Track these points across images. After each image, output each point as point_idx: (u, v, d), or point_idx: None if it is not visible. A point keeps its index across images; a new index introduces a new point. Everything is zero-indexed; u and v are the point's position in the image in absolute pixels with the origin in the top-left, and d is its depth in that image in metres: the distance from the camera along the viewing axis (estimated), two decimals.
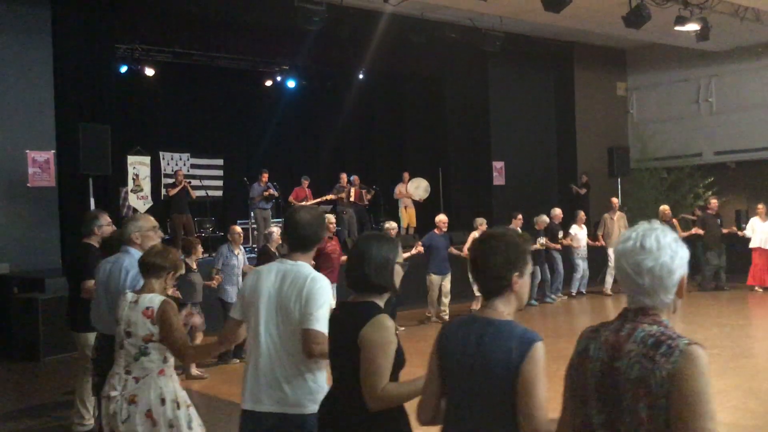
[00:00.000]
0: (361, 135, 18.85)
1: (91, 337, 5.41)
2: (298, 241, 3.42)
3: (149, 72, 15.14)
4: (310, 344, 3.20)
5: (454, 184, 16.67)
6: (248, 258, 10.24)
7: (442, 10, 13.65)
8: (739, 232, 14.31)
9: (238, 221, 15.08)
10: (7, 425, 6.93)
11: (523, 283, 2.50)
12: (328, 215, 10.89)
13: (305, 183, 14.86)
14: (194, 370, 8.30)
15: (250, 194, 14.39)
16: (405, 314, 11.38)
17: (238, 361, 8.70)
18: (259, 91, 17.45)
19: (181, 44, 14.26)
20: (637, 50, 18.65)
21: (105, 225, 6.03)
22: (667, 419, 1.90)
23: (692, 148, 17.69)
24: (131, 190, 13.18)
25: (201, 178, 15.69)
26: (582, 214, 14.32)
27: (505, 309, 2.47)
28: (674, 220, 14.18)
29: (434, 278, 11.44)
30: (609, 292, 14.06)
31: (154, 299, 3.89)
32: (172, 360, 3.97)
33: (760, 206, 14.01)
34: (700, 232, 14.07)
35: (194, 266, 8.70)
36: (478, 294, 12.18)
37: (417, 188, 15.95)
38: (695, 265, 13.72)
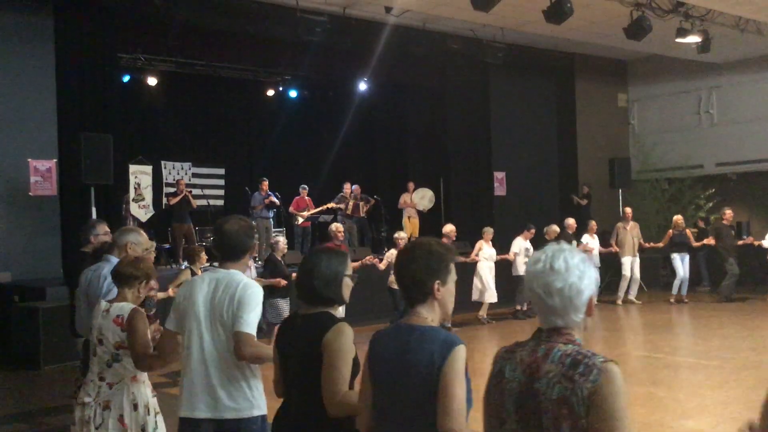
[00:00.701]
0: (362, 145, 18.88)
1: None
2: (228, 250, 3.53)
3: (151, 81, 15.20)
4: (241, 346, 3.30)
5: (456, 195, 16.68)
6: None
7: (444, 22, 13.71)
8: (756, 242, 14.33)
9: None
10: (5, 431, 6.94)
11: (445, 291, 2.54)
12: (336, 224, 10.95)
13: (304, 192, 14.89)
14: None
15: (251, 203, 14.41)
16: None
17: None
18: (261, 101, 17.51)
19: (183, 54, 14.31)
20: (639, 62, 18.70)
21: (101, 234, 6.03)
22: None
23: (693, 159, 17.71)
24: (133, 199, 13.18)
25: (202, 187, 15.72)
26: (593, 223, 14.41)
27: (428, 315, 2.52)
28: (687, 230, 14.18)
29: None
30: (634, 300, 14.25)
31: (124, 308, 3.96)
32: None
33: None
34: (712, 242, 14.12)
35: (199, 273, 8.72)
36: (482, 301, 12.22)
37: (422, 198, 15.97)
38: (714, 275, 13.89)
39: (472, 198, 16.69)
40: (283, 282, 8.98)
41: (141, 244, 4.80)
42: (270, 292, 8.78)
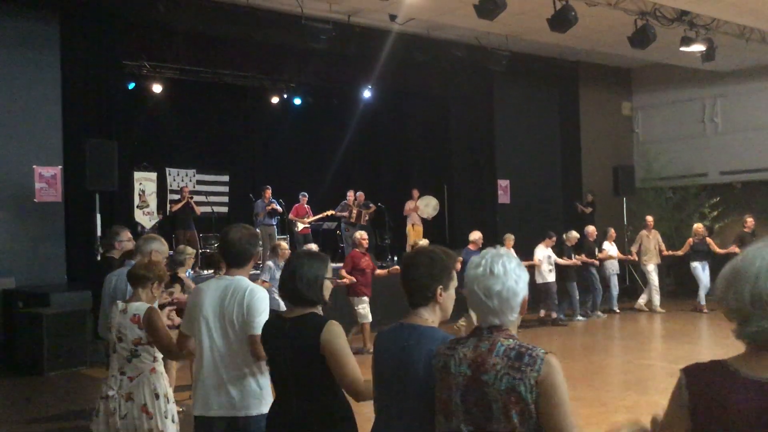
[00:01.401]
0: (366, 152, 18.91)
1: None
2: (232, 257, 3.75)
3: (156, 89, 15.26)
4: (257, 348, 3.49)
5: (459, 202, 16.69)
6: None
7: (448, 29, 13.75)
8: None
9: None
10: None
11: (447, 296, 2.71)
12: (360, 232, 11.16)
13: (303, 200, 14.91)
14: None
15: (254, 210, 14.44)
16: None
17: None
18: (266, 109, 17.55)
19: (188, 61, 14.36)
20: (643, 70, 18.72)
21: (125, 240, 6.35)
22: (536, 423, 2.13)
23: (698, 167, 17.70)
24: (137, 206, 13.24)
25: (206, 194, 15.75)
26: (612, 231, 14.47)
27: (429, 317, 2.69)
28: (708, 239, 14.13)
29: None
30: (659, 309, 14.17)
31: (140, 307, 4.30)
32: (161, 359, 4.38)
33: None
34: (737, 250, 14.05)
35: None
36: None
37: (426, 206, 15.98)
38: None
39: (475, 205, 16.69)
40: None
41: (163, 252, 5.22)
42: None
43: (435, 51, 14.40)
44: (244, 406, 3.57)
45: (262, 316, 3.56)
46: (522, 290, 2.30)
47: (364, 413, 3.01)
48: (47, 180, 11.58)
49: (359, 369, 3.04)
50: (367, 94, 17.21)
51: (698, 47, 13.56)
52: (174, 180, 15.97)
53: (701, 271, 14.05)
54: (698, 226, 14.34)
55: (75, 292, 10.47)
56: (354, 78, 15.84)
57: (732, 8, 12.17)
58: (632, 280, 15.43)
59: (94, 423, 4.40)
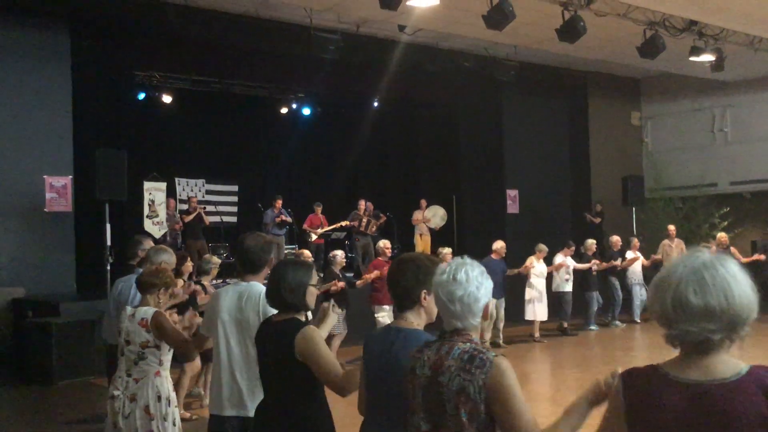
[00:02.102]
0: (375, 162, 18.93)
1: None
2: (248, 264, 3.92)
3: (166, 99, 15.35)
4: None
5: (468, 212, 16.66)
6: None
7: (456, 40, 13.76)
8: None
9: None
10: None
11: (431, 300, 2.78)
12: (384, 241, 11.30)
13: (318, 209, 14.90)
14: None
15: (264, 220, 14.45)
16: None
17: None
18: (275, 118, 17.61)
19: (198, 72, 14.45)
20: (652, 80, 18.68)
21: (148, 248, 6.43)
22: (484, 422, 2.26)
23: (707, 177, 17.62)
24: (147, 216, 13.25)
25: (216, 204, 15.79)
26: (636, 240, 14.42)
27: (415, 320, 2.85)
28: (732, 248, 14.03)
29: (489, 303, 11.56)
30: None
31: (148, 311, 4.49)
32: (166, 363, 4.56)
33: None
34: (762, 257, 13.99)
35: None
36: (534, 319, 12.19)
37: (434, 216, 15.96)
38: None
39: (484, 215, 16.67)
40: (341, 284, 9.83)
41: (171, 264, 5.40)
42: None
43: (443, 61, 14.41)
44: (254, 407, 3.67)
45: None
46: (483, 296, 2.43)
47: (355, 415, 3.06)
48: (58, 190, 11.63)
49: (338, 366, 3.18)
50: (375, 104, 17.24)
51: (707, 57, 13.52)
52: (183, 190, 16.02)
53: None
54: (722, 236, 14.18)
55: (84, 301, 10.51)
56: (362, 88, 15.87)
57: (741, 18, 12.14)
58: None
59: (107, 425, 4.59)
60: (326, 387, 3.22)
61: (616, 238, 14.09)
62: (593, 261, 13.33)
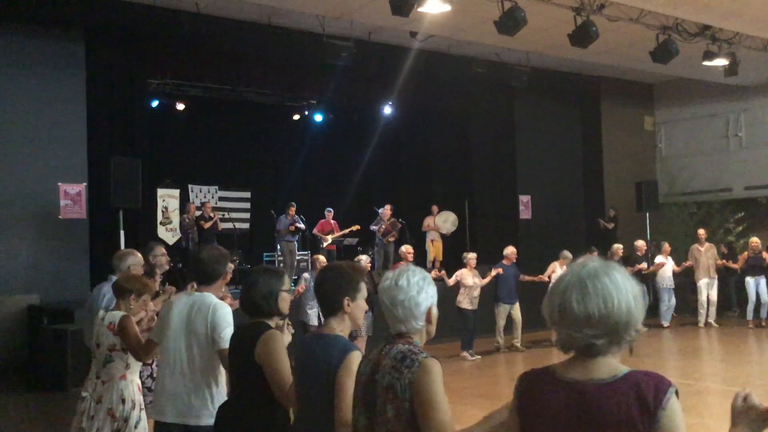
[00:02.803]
0: (387, 168, 18.93)
1: None
2: (202, 275, 4.06)
3: (180, 107, 15.42)
4: (225, 360, 3.76)
5: (481, 218, 16.62)
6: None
7: (468, 46, 13.76)
8: None
9: (265, 253, 15.16)
10: None
11: (355, 306, 3.00)
12: (406, 246, 11.48)
13: (329, 215, 14.91)
14: None
15: (277, 227, 14.47)
16: (477, 343, 11.60)
17: None
18: (287, 125, 17.65)
19: (211, 79, 14.50)
20: (665, 85, 18.60)
21: (159, 255, 6.53)
22: (408, 418, 2.38)
23: (722, 182, 17.52)
24: (160, 223, 13.32)
25: (229, 210, 15.83)
26: (667, 245, 14.34)
27: (338, 326, 2.99)
28: (764, 253, 13.90)
29: (502, 308, 11.88)
30: (701, 324, 13.96)
31: (115, 315, 4.63)
32: (133, 367, 4.66)
33: None
34: None
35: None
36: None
37: (445, 221, 15.91)
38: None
39: (497, 221, 16.62)
40: None
41: (138, 263, 5.56)
42: None
43: (455, 68, 14.42)
44: (195, 415, 3.83)
45: (227, 330, 3.83)
46: (424, 301, 2.52)
47: None
48: (72, 197, 11.70)
49: (290, 376, 3.26)
50: (387, 110, 17.26)
51: (721, 61, 13.45)
52: (196, 197, 16.07)
53: (753, 286, 13.74)
54: (754, 241, 14.03)
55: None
56: (375, 95, 15.89)
57: (754, 22, 12.07)
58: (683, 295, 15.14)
59: (72, 425, 4.74)
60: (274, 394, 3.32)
61: (641, 243, 14.01)
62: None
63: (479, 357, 11.31)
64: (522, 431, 2.03)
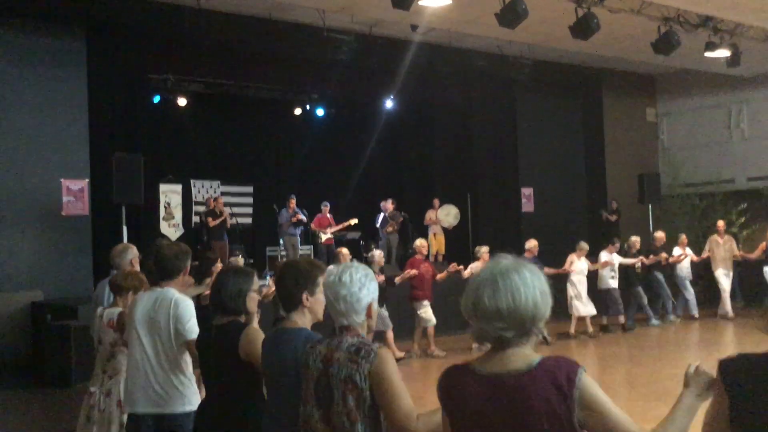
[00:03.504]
0: (389, 162, 18.91)
1: None
2: (164, 271, 4.21)
3: (181, 102, 15.39)
4: (193, 350, 3.93)
5: (483, 211, 16.61)
6: None
7: (469, 39, 13.72)
8: None
9: (268, 248, 15.17)
10: None
11: (314, 301, 3.12)
12: (421, 239, 11.65)
13: (325, 209, 14.87)
14: None
15: (279, 221, 14.46)
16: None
17: None
18: (289, 120, 17.62)
19: (212, 74, 14.48)
20: (667, 76, 18.53)
21: (113, 251, 6.55)
22: (369, 407, 2.53)
23: (724, 174, 17.46)
24: (163, 218, 13.31)
25: (231, 205, 15.82)
26: (684, 237, 14.28)
27: (299, 320, 3.13)
28: None
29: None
30: (730, 315, 13.79)
31: (114, 312, 4.79)
32: None
33: None
34: None
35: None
36: (577, 314, 12.14)
37: (447, 215, 15.90)
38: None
39: (499, 214, 16.61)
40: (380, 279, 9.93)
41: (137, 255, 5.64)
42: None
43: (456, 61, 14.37)
44: (169, 404, 3.99)
45: (192, 322, 4.04)
46: (365, 296, 2.69)
47: None
48: (74, 193, 11.70)
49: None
50: (389, 104, 17.23)
51: (723, 53, 13.40)
52: (199, 192, 16.06)
53: None
54: None
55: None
56: (376, 89, 15.87)
57: (757, 13, 12.01)
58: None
59: (80, 418, 4.88)
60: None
61: (660, 234, 13.94)
62: (640, 258, 13.26)
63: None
64: (452, 429, 2.15)
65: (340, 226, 14.91)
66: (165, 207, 13.66)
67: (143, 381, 4.05)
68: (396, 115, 17.71)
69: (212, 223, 13.55)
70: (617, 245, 13.12)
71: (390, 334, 10.38)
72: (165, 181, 13.82)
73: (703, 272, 14.86)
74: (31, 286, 11.13)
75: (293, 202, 14.35)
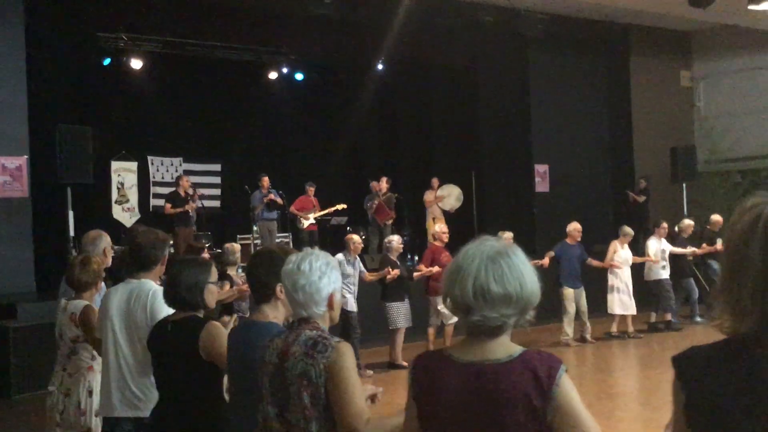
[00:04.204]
0: (381, 135, 18.92)
1: None
2: (140, 261, 4.36)
3: (136, 64, 15.32)
4: None
5: (490, 191, 16.66)
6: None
7: None
8: None
9: (239, 235, 15.16)
10: None
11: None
12: (441, 225, 11.80)
13: (310, 191, 14.87)
14: None
15: (251, 203, 14.44)
16: (538, 331, 11.59)
17: None
18: (263, 86, 17.60)
19: (172, 32, 14.43)
20: (704, 33, 18.58)
21: (84, 237, 6.57)
22: (324, 404, 2.72)
23: None
24: (115, 201, 13.31)
25: (196, 186, 15.81)
26: (719, 219, 14.31)
27: (271, 313, 3.31)
28: None
29: (568, 291, 11.65)
30: None
31: (78, 305, 4.91)
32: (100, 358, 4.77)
33: None
34: None
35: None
36: (621, 313, 12.20)
37: (448, 196, 15.95)
38: None
39: (508, 195, 16.67)
40: (395, 272, 10.31)
41: (110, 243, 5.71)
42: (382, 296, 10.44)
43: (459, 15, 14.36)
44: (148, 406, 4.07)
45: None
46: (326, 286, 2.86)
47: None
48: (11, 172, 11.67)
49: None
50: (380, 67, 17.21)
51: None
52: (158, 170, 16.05)
53: None
54: None
55: (46, 301, 10.50)
56: (365, 49, 15.84)
57: None
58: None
59: (47, 419, 5.04)
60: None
61: (717, 218, 13.95)
62: (688, 250, 13.23)
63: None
64: (420, 417, 2.31)
65: (326, 211, 14.92)
66: (118, 188, 13.67)
67: (120, 384, 4.21)
68: (388, 79, 17.69)
69: (169, 210, 13.27)
70: (665, 227, 13.07)
71: (431, 331, 10.80)
72: (118, 157, 13.82)
73: None
74: None
75: (266, 181, 14.30)
